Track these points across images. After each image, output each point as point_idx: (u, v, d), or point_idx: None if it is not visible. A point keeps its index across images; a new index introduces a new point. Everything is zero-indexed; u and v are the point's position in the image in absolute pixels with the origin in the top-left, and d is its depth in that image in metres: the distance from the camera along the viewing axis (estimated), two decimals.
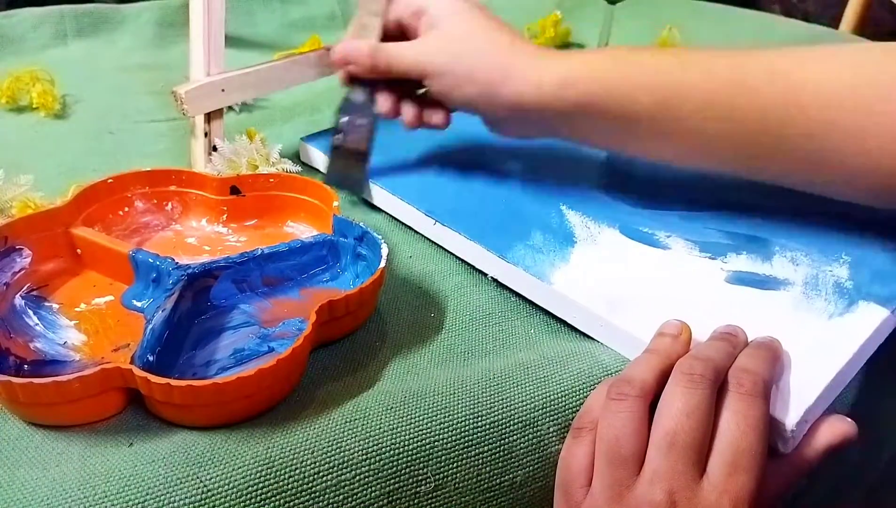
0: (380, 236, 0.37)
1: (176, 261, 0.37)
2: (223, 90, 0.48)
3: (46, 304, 0.37)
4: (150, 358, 0.31)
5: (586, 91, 0.38)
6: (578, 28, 0.84)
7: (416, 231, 0.45)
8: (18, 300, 0.36)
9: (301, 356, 0.32)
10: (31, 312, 0.36)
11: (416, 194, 0.45)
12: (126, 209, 0.43)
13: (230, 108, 0.60)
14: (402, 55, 0.42)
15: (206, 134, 0.48)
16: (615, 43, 0.73)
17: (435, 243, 0.44)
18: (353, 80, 0.45)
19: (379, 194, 0.47)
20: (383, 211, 0.47)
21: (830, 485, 0.42)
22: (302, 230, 0.44)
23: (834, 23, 1.01)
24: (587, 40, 0.83)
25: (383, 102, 0.45)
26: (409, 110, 0.45)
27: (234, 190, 0.43)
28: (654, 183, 0.47)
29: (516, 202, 0.44)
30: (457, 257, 0.43)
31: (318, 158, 0.52)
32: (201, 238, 0.43)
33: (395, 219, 0.46)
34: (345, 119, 0.45)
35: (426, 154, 0.51)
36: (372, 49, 0.42)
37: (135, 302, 0.37)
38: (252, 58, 0.54)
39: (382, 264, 0.36)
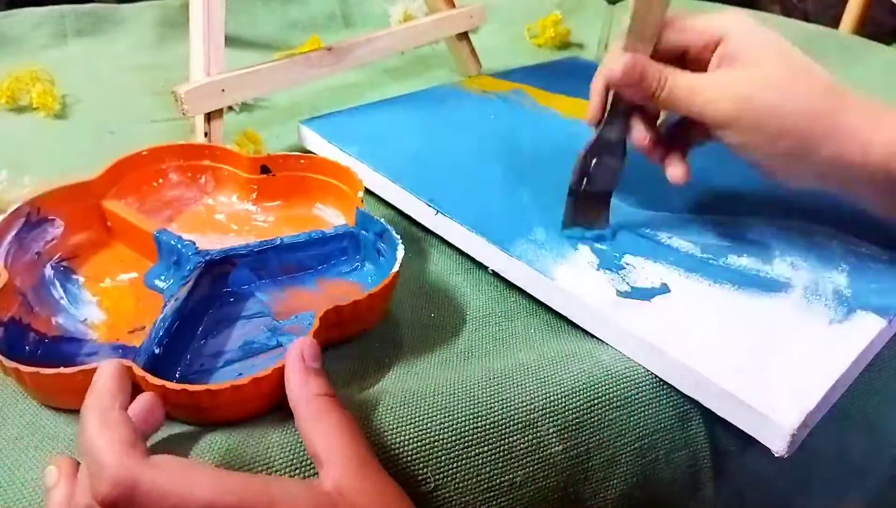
0: (398, 237, 0.37)
1: (196, 246, 0.37)
2: (223, 90, 0.48)
3: (73, 277, 0.38)
4: (157, 351, 0.32)
5: None
6: (578, 28, 0.84)
7: (415, 226, 0.45)
8: (48, 271, 0.37)
9: None
10: (58, 283, 0.37)
11: (418, 183, 0.45)
12: (160, 181, 0.43)
13: (230, 108, 0.60)
14: (699, 92, 0.35)
15: (206, 134, 0.48)
16: (614, 42, 0.73)
17: (434, 243, 0.44)
18: (611, 111, 0.38)
19: (380, 182, 0.47)
20: (384, 209, 0.47)
21: (830, 486, 0.42)
22: (330, 214, 0.43)
23: (834, 23, 1.01)
24: (587, 40, 0.83)
25: (640, 133, 0.38)
26: (657, 150, 0.39)
27: (265, 169, 0.44)
28: (655, 185, 0.46)
29: (519, 197, 0.44)
30: (457, 257, 0.43)
31: (317, 142, 0.51)
32: (230, 215, 0.43)
33: (395, 217, 0.46)
34: (594, 161, 0.40)
35: (429, 143, 0.50)
36: (665, 76, 0.35)
37: (156, 282, 0.38)
38: (252, 58, 0.54)
39: (396, 268, 0.35)
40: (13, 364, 0.29)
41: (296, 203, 0.44)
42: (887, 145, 0.33)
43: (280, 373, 0.30)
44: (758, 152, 0.35)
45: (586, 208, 0.40)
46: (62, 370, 0.29)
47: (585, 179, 0.40)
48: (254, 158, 0.43)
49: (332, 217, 0.43)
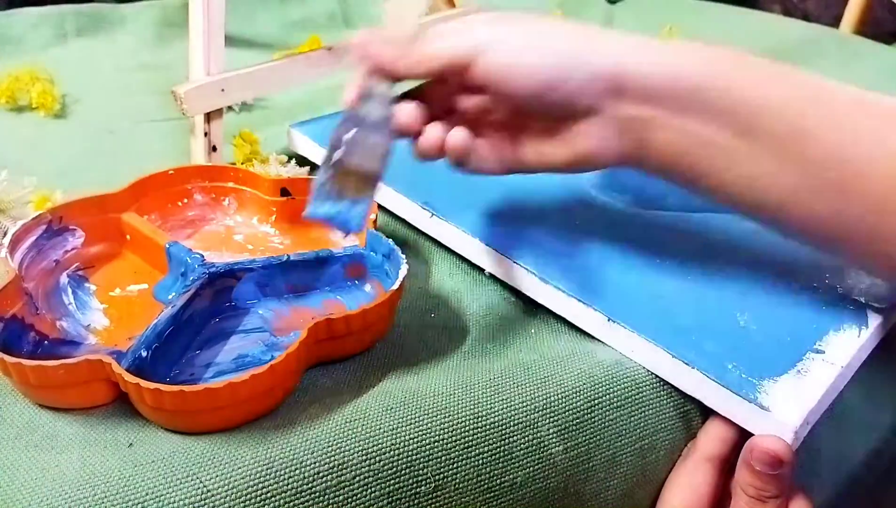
0: (403, 257, 0.36)
1: (203, 258, 0.37)
2: (223, 90, 0.48)
3: (86, 285, 0.38)
4: (144, 354, 0.31)
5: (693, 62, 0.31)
6: None
7: (412, 227, 0.45)
8: (63, 278, 0.38)
9: (282, 374, 0.30)
10: (70, 290, 0.37)
11: (411, 186, 0.45)
12: (185, 201, 0.44)
13: (230, 108, 0.60)
14: (444, 40, 0.33)
15: (205, 134, 0.48)
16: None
17: (433, 243, 0.44)
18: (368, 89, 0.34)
19: None
20: (393, 214, 0.47)
21: (831, 485, 0.42)
22: (349, 239, 0.43)
23: (834, 23, 1.01)
24: None
25: (407, 112, 0.34)
26: (432, 130, 0.34)
27: (284, 192, 0.44)
28: (650, 183, 0.46)
29: (515, 198, 0.44)
30: (456, 258, 0.43)
31: (308, 145, 0.51)
32: (248, 236, 0.43)
33: (391, 220, 0.46)
34: (349, 133, 0.33)
35: None
36: (403, 38, 0.34)
37: (164, 294, 0.38)
38: (252, 58, 0.54)
39: (395, 285, 0.35)
40: None
41: (314, 227, 0.44)
42: (657, 50, 0.32)
43: (259, 379, 0.29)
44: (518, 75, 0.32)
45: (339, 189, 0.33)
46: (43, 362, 0.29)
47: (341, 150, 0.33)
48: (274, 180, 0.43)
49: (348, 241, 0.43)
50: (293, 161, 0.51)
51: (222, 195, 0.45)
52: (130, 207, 0.41)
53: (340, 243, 0.43)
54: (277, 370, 0.30)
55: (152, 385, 0.28)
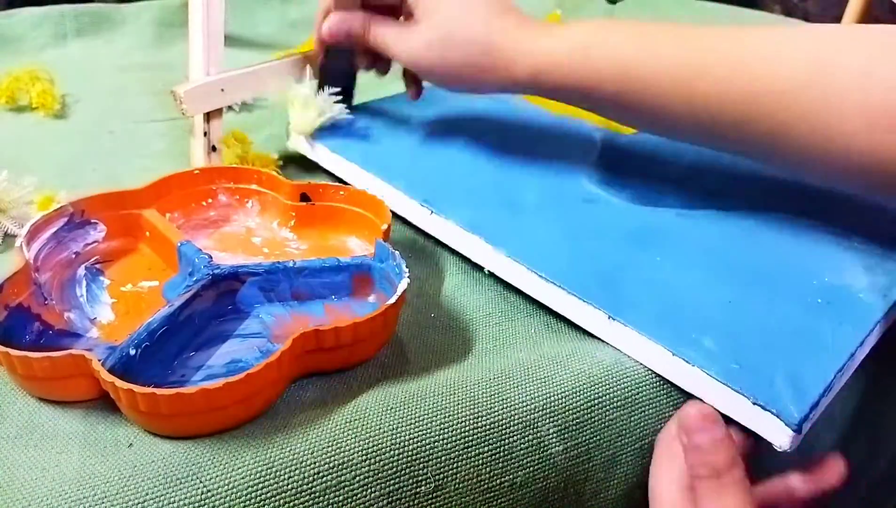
0: (407, 271, 0.35)
1: (210, 259, 0.37)
2: (223, 90, 0.48)
3: (101, 279, 0.38)
4: (132, 352, 0.31)
5: (555, 84, 0.40)
6: None
7: (412, 227, 0.45)
8: (81, 270, 0.38)
9: (260, 383, 0.30)
10: (85, 283, 0.37)
11: (410, 183, 0.45)
12: (209, 201, 0.44)
13: (230, 107, 0.60)
14: (395, 45, 0.44)
15: (205, 134, 0.48)
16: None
17: (433, 243, 0.44)
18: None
19: (372, 184, 0.46)
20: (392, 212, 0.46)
21: None
22: (363, 247, 0.43)
23: (834, 22, 1.01)
24: None
25: (361, 61, 0.50)
26: (384, 69, 0.50)
27: (304, 197, 0.43)
28: (649, 181, 0.47)
29: (513, 196, 0.44)
30: (456, 257, 0.43)
31: (307, 144, 0.51)
32: (266, 240, 0.43)
33: (393, 215, 0.46)
34: (329, 70, 0.51)
35: (420, 144, 0.50)
36: (369, 29, 0.45)
37: (172, 292, 0.38)
38: (252, 58, 0.54)
39: (393, 300, 0.34)
40: None
41: (331, 234, 0.44)
42: (527, 63, 0.40)
43: (234, 388, 0.28)
44: (445, 86, 0.44)
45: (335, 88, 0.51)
46: (29, 354, 0.29)
47: (326, 79, 0.51)
48: (295, 184, 0.43)
49: (364, 250, 0.42)
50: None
51: (246, 197, 0.45)
52: (152, 204, 0.41)
53: (354, 251, 0.42)
54: (254, 380, 0.29)
55: (126, 385, 0.28)
